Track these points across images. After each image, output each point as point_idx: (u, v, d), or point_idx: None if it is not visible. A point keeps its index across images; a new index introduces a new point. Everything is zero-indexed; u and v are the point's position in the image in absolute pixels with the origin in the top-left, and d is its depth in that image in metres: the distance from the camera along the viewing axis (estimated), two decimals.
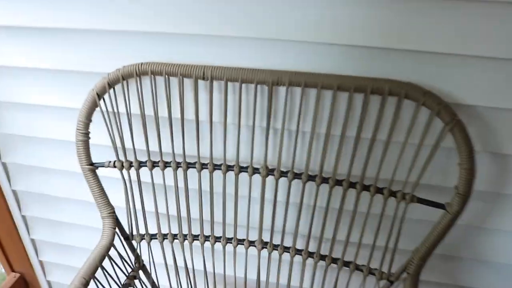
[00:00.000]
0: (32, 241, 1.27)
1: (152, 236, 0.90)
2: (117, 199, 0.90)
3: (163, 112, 0.83)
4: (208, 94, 0.82)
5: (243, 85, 0.78)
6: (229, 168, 0.81)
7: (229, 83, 0.78)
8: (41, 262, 1.32)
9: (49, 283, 1.37)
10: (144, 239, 0.90)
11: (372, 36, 0.70)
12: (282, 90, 0.78)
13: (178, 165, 0.83)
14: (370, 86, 0.70)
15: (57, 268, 1.33)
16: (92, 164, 0.83)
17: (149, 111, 0.82)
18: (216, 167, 0.82)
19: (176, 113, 0.84)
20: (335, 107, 0.76)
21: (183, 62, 0.79)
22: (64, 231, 1.21)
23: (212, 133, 0.79)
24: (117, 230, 0.87)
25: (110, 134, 0.81)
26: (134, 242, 0.91)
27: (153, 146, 0.84)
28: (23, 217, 1.22)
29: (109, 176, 0.91)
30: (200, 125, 0.86)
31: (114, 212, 0.86)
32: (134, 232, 0.90)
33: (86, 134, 0.81)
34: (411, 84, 0.70)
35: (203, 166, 0.82)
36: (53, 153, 1.04)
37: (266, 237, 0.89)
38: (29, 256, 1.30)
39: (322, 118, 0.79)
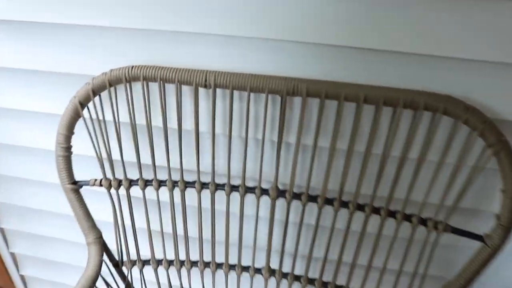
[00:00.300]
0: (12, 254, 1.16)
1: (145, 263, 0.80)
2: (105, 214, 0.79)
3: (156, 121, 0.72)
4: (209, 102, 0.71)
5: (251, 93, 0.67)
6: (233, 188, 0.71)
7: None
8: (22, 277, 1.21)
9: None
10: (136, 265, 0.80)
11: (404, 40, 0.59)
12: (296, 99, 0.67)
13: (174, 184, 0.72)
14: (402, 98, 0.59)
15: (39, 283, 1.22)
16: (75, 182, 0.72)
17: (140, 119, 0.71)
18: (218, 187, 0.71)
19: (172, 123, 0.73)
20: (359, 121, 0.66)
21: (181, 65, 0.68)
22: (47, 246, 1.10)
23: (214, 146, 0.68)
24: (104, 255, 0.76)
25: (95, 148, 0.70)
26: (124, 269, 0.80)
27: (146, 159, 0.73)
28: (2, 229, 1.11)
29: (95, 190, 0.80)
30: (200, 137, 0.75)
31: (101, 237, 0.75)
32: (125, 258, 0.79)
33: (68, 149, 0.69)
34: (451, 98, 0.59)
35: (204, 185, 0.71)
36: (34, 163, 0.93)
37: (273, 264, 0.79)
38: (9, 270, 1.19)
39: (344, 133, 0.69)
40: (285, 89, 0.62)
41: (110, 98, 0.67)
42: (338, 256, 0.73)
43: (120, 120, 0.69)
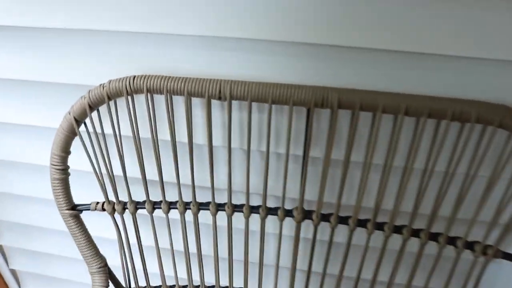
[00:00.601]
0: (13, 271, 1.09)
1: None
2: (109, 233, 0.71)
3: (163, 135, 0.64)
4: (223, 112, 0.62)
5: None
6: (253, 210, 0.63)
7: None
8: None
9: None
10: None
11: (452, 43, 0.50)
12: (322, 111, 0.59)
13: (186, 207, 0.64)
14: (451, 110, 0.51)
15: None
16: (74, 207, 0.64)
17: (144, 133, 0.62)
18: (236, 208, 0.63)
19: (181, 137, 0.65)
20: (398, 134, 0.57)
21: (190, 73, 0.60)
22: (48, 262, 1.03)
23: (230, 163, 0.60)
24: (111, 285, 0.69)
25: (94, 169, 0.62)
26: None
27: (151, 174, 0.65)
28: (1, 246, 1.04)
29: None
30: (214, 151, 0.66)
31: (105, 266, 0.68)
32: (133, 285, 0.72)
33: (64, 171, 0.61)
34: (507, 108, 0.51)
35: (219, 207, 0.63)
36: (29, 178, 0.84)
37: None
38: (9, 286, 1.12)
39: (379, 147, 0.60)
40: (313, 100, 0.53)
41: (110, 113, 0.58)
42: (372, 278, 0.66)
43: (122, 134, 0.61)
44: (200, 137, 0.65)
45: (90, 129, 0.60)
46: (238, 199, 0.71)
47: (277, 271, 0.67)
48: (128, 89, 0.56)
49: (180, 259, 0.71)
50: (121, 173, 0.62)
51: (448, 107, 0.51)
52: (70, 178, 0.63)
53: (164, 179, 0.62)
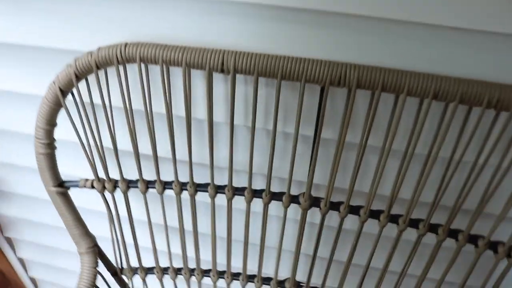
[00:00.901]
0: (7, 239, 1.07)
1: (149, 271, 0.69)
2: (100, 212, 0.67)
3: (159, 108, 0.58)
4: (226, 86, 0.56)
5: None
6: (256, 194, 0.58)
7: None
8: (20, 260, 1.13)
9: (33, 280, 1.18)
10: (138, 274, 0.69)
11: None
12: (337, 89, 0.52)
13: (182, 187, 0.59)
14: (489, 95, 0.44)
15: (39, 265, 1.14)
16: (61, 184, 0.59)
17: (138, 105, 0.56)
18: (237, 192, 0.58)
19: (179, 111, 0.59)
20: (423, 121, 0.50)
21: (190, 42, 0.53)
22: (40, 231, 1.00)
23: (232, 144, 0.54)
24: (101, 263, 0.65)
25: (83, 145, 0.56)
26: (125, 278, 0.69)
27: (145, 148, 0.59)
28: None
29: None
30: (215, 127, 0.60)
31: (94, 246, 0.64)
32: (124, 265, 0.68)
33: (49, 145, 0.56)
34: None
35: (219, 189, 0.58)
36: (19, 147, 0.79)
37: (299, 276, 0.68)
38: (5, 253, 1.10)
39: (400, 132, 0.54)
40: (328, 78, 0.46)
41: (99, 84, 0.52)
42: (383, 268, 0.61)
43: (113, 106, 0.55)
44: (200, 112, 0.59)
45: (79, 100, 0.54)
46: (240, 179, 0.66)
47: (279, 256, 0.63)
48: (119, 57, 0.50)
49: (175, 240, 0.67)
50: (113, 149, 0.57)
51: (486, 92, 0.44)
52: (59, 151, 0.58)
53: (160, 154, 0.57)
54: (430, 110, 0.48)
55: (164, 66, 0.49)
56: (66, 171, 0.62)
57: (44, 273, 1.13)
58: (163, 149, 0.61)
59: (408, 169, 0.54)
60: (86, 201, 0.72)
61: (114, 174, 0.59)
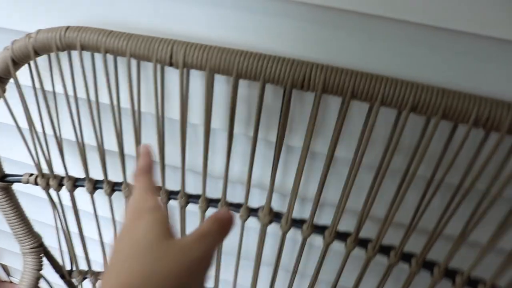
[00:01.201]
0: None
1: (99, 275, 0.64)
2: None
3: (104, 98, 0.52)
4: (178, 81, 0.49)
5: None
6: (211, 203, 0.52)
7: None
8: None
9: (4, 267, 1.15)
10: (87, 278, 0.64)
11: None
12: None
13: (114, 188, 0.53)
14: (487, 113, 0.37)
15: (10, 253, 1.10)
16: (3, 178, 0.54)
17: (82, 94, 0.50)
18: (172, 195, 0.52)
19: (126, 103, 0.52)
20: (400, 132, 0.43)
21: (144, 30, 0.47)
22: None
23: (184, 141, 0.48)
24: (47, 263, 0.60)
25: (23, 137, 0.51)
26: (75, 281, 0.64)
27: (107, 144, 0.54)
28: None
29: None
30: (170, 123, 0.54)
31: (39, 246, 0.59)
32: (69, 267, 0.63)
33: None
34: None
35: (172, 196, 0.52)
36: None
37: None
38: None
39: (376, 143, 0.47)
40: (290, 78, 0.40)
41: (37, 72, 0.46)
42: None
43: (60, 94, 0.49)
44: (149, 106, 0.52)
45: (30, 86, 0.48)
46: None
47: (237, 268, 0.57)
48: (58, 43, 0.44)
49: None
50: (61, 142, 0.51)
51: (474, 107, 0.37)
52: (9, 139, 0.53)
53: (108, 148, 0.51)
54: (410, 123, 0.41)
55: (106, 55, 0.43)
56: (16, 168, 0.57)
57: (15, 261, 1.10)
58: (110, 142, 0.54)
59: (383, 187, 0.47)
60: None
61: (75, 171, 0.54)
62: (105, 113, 0.50)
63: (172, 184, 0.52)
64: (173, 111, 0.52)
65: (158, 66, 0.43)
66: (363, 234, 0.48)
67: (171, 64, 0.42)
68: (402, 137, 0.41)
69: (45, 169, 0.53)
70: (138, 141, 0.49)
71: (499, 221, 0.43)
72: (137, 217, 0.27)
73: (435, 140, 0.41)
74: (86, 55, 0.45)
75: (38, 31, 0.45)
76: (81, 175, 0.54)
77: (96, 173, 0.53)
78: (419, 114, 0.39)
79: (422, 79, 0.40)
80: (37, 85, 0.48)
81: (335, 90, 0.40)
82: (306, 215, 0.49)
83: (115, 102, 0.48)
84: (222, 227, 0.29)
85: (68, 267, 0.62)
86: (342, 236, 0.49)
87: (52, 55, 0.47)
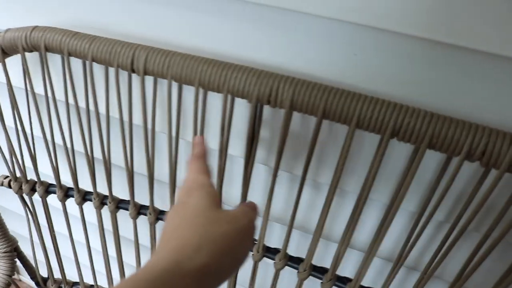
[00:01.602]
0: None
1: (74, 285, 0.61)
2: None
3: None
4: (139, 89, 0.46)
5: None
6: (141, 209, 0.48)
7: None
8: None
9: None
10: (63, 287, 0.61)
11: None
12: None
13: (103, 201, 0.50)
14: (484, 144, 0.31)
15: None
16: None
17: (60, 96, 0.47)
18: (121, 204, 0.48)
19: (101, 108, 0.49)
20: (381, 155, 0.38)
21: (110, 30, 0.44)
22: None
23: (150, 147, 0.44)
24: (20, 268, 0.59)
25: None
26: None
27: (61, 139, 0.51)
28: None
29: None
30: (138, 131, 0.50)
31: (13, 250, 0.57)
32: (45, 274, 0.61)
33: None
34: None
35: (140, 210, 0.49)
36: None
37: None
38: None
39: (354, 168, 0.41)
40: (256, 93, 0.35)
41: (6, 72, 0.45)
42: None
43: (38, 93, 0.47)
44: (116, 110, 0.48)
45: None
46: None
47: None
48: (24, 43, 0.42)
49: (97, 253, 0.58)
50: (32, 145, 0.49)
51: (467, 136, 0.31)
52: None
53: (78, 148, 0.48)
54: (396, 149, 0.35)
55: (67, 58, 0.41)
56: None
57: None
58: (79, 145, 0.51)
59: (363, 216, 0.41)
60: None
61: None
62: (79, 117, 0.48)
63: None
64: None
65: (127, 74, 0.40)
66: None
67: (132, 71, 0.39)
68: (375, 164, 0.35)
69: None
70: (108, 149, 0.46)
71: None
72: (189, 195, 0.30)
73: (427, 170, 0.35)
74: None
75: (7, 30, 0.43)
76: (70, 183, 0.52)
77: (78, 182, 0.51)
78: (402, 141, 0.33)
79: (407, 100, 0.34)
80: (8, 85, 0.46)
81: (304, 108, 0.35)
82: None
83: (91, 108, 0.45)
84: (253, 209, 0.33)
85: (44, 274, 0.60)
86: (318, 271, 0.43)
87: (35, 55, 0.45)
